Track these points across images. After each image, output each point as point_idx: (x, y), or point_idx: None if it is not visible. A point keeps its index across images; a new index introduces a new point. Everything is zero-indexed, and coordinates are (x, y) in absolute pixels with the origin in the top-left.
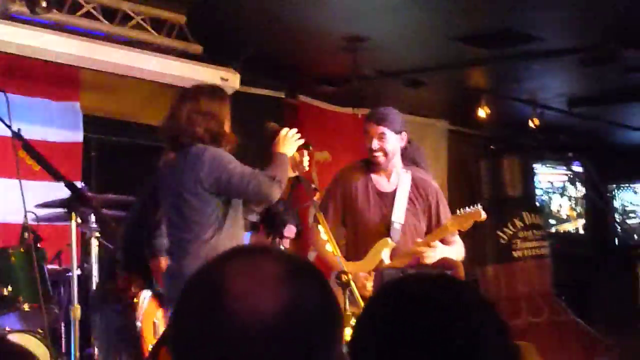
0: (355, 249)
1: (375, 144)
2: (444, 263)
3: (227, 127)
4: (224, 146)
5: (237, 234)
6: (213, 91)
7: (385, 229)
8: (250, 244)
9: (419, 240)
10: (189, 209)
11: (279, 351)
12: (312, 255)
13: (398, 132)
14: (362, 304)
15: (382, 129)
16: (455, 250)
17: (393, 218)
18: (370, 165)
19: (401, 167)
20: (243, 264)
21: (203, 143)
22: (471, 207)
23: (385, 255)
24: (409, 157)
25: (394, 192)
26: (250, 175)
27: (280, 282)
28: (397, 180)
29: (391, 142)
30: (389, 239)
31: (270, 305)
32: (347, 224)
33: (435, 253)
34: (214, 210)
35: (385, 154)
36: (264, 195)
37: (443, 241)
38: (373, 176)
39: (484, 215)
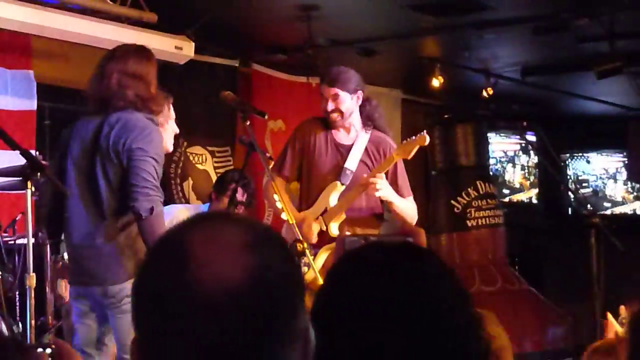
0: (307, 199)
1: (330, 105)
2: (406, 230)
3: (153, 89)
4: (155, 112)
5: None
6: (141, 51)
7: (337, 177)
8: (214, 211)
9: (365, 175)
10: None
11: (243, 317)
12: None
13: (353, 92)
14: (316, 271)
15: (335, 90)
16: (409, 206)
17: (345, 165)
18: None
19: (360, 126)
20: (207, 231)
21: (135, 108)
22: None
23: (333, 199)
24: (367, 115)
25: (351, 145)
26: (146, 182)
27: (244, 249)
28: (356, 136)
29: (346, 102)
30: (338, 182)
31: (234, 272)
32: (302, 176)
33: (383, 182)
34: None
35: (341, 114)
36: (137, 202)
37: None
38: (333, 130)
39: (427, 140)
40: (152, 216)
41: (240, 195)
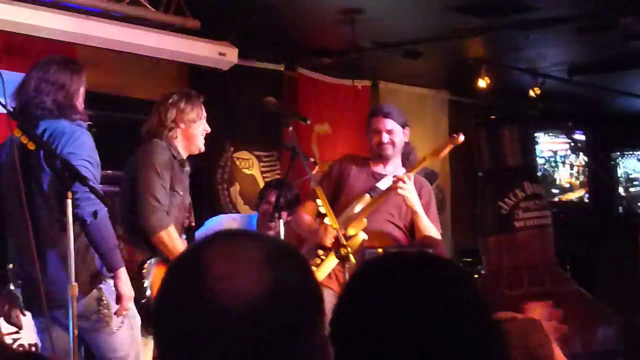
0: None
1: (385, 137)
2: (425, 241)
3: (78, 102)
4: (74, 119)
5: None
6: (65, 62)
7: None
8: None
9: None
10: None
11: (262, 331)
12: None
13: (403, 126)
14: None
15: (390, 122)
16: (433, 227)
17: (377, 185)
18: (371, 157)
19: (400, 164)
20: (225, 247)
21: (50, 115)
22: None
23: (357, 208)
24: (405, 154)
25: (386, 174)
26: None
27: (261, 264)
28: (393, 170)
29: (399, 135)
30: (367, 195)
31: (251, 286)
32: (334, 198)
33: (411, 185)
34: None
35: (394, 146)
36: (79, 208)
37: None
38: (371, 163)
39: (461, 139)
40: (97, 220)
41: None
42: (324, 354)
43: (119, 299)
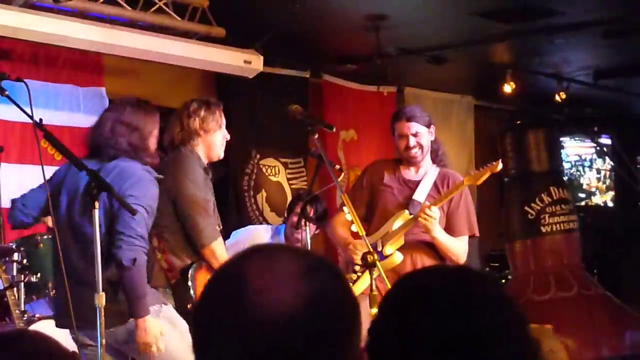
0: (370, 229)
1: (412, 141)
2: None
3: (151, 144)
4: (148, 163)
5: None
6: (139, 104)
7: (405, 208)
8: (270, 243)
9: (427, 203)
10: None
11: (300, 342)
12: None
13: (428, 126)
14: (387, 282)
15: (414, 125)
16: (456, 245)
17: (414, 197)
18: (400, 160)
19: (430, 163)
20: (263, 261)
21: (125, 155)
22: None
23: (396, 224)
24: (434, 151)
25: (420, 180)
26: (132, 231)
27: (298, 276)
28: (425, 172)
29: (425, 136)
30: (406, 211)
31: (289, 299)
32: (369, 212)
33: (435, 214)
34: None
35: (422, 149)
36: (120, 250)
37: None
38: (402, 167)
39: (500, 166)
40: (134, 267)
41: (309, 212)
42: None
43: (139, 346)
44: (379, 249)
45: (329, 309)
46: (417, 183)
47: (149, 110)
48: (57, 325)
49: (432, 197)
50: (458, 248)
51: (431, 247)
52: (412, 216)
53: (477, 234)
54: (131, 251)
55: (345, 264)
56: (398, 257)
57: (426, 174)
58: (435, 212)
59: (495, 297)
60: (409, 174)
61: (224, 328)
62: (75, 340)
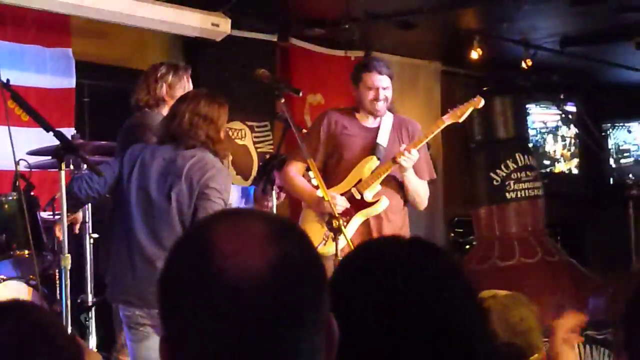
0: (336, 178)
1: (382, 94)
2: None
3: (223, 135)
4: (222, 156)
5: None
6: (213, 96)
7: (371, 153)
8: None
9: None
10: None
11: (267, 307)
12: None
13: (392, 78)
14: (352, 246)
15: (386, 78)
16: (424, 188)
17: (378, 141)
18: (355, 108)
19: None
20: (230, 225)
21: (202, 146)
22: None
23: (367, 170)
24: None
25: (378, 127)
26: None
27: (266, 241)
28: (380, 119)
29: (390, 90)
30: (374, 157)
31: (257, 263)
32: (329, 157)
33: (414, 159)
34: None
35: (387, 102)
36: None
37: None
38: (358, 115)
39: (482, 102)
40: None
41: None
42: (329, 329)
43: None
44: (357, 197)
45: (297, 274)
46: (376, 130)
47: (221, 103)
48: (109, 300)
49: (394, 139)
50: (426, 191)
51: (399, 192)
52: (390, 160)
53: (435, 177)
54: None
55: (321, 216)
56: (385, 202)
57: (381, 120)
58: (415, 154)
59: (446, 269)
60: (367, 121)
61: (192, 293)
62: (129, 317)
